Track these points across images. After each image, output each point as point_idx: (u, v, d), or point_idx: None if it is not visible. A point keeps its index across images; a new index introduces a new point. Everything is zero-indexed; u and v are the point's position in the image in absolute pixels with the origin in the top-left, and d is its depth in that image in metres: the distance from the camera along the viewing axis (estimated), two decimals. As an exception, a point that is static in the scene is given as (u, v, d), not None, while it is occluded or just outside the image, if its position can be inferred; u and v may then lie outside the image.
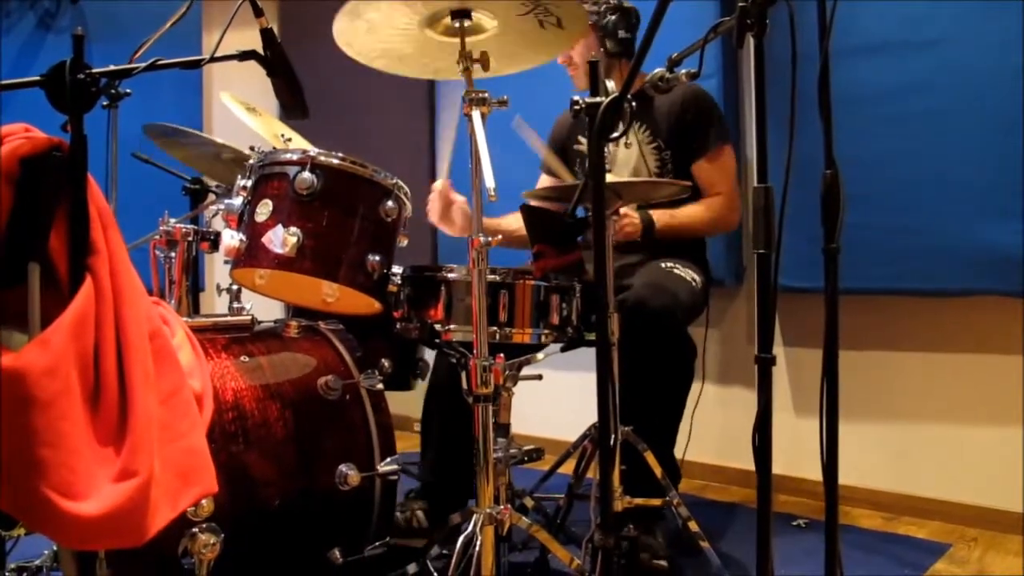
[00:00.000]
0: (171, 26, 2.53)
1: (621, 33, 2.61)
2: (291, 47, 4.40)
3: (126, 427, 1.44)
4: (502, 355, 1.68)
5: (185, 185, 2.93)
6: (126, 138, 2.83)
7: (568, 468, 2.41)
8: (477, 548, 1.63)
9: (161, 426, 1.52)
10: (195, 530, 1.68)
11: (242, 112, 2.60)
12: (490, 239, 1.66)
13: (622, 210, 2.33)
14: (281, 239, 1.86)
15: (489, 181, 1.56)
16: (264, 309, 2.26)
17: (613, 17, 2.58)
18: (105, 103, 2.71)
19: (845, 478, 2.78)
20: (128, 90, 2.72)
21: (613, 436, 2.06)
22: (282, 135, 2.55)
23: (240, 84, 2.63)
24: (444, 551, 1.90)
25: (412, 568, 1.83)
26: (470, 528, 1.66)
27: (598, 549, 1.55)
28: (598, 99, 1.51)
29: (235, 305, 2.21)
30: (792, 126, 1.45)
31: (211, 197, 2.75)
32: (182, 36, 2.77)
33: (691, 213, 2.54)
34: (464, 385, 1.76)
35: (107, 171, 2.79)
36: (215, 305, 2.67)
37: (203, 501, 1.66)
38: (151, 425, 1.47)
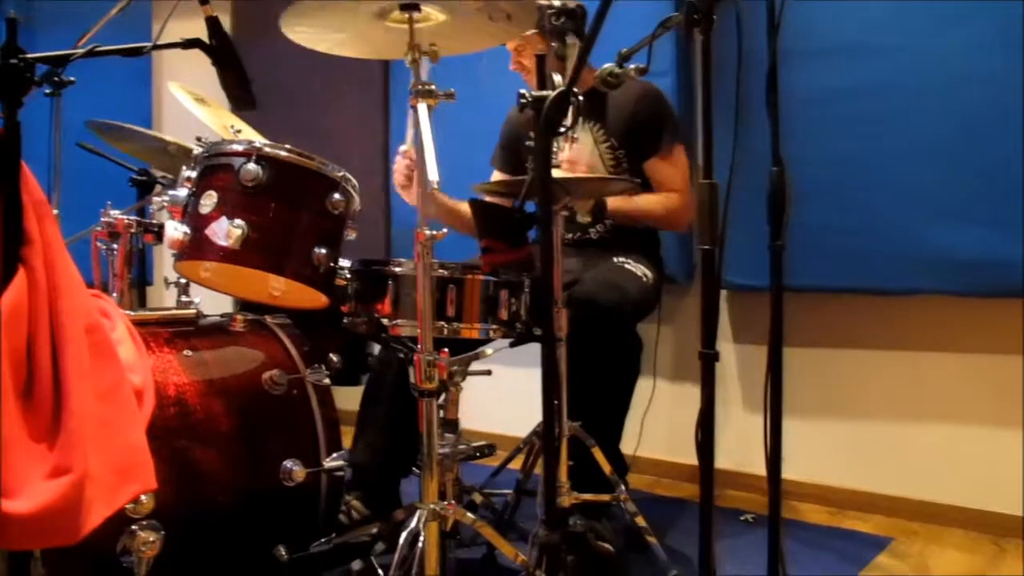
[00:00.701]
0: (117, 13, 2.48)
1: (569, 38, 2.59)
2: (244, 38, 4.36)
3: (60, 422, 1.41)
4: (446, 350, 1.66)
5: (132, 176, 2.88)
6: (72, 127, 2.77)
7: (519, 464, 2.41)
8: (421, 545, 1.61)
9: (98, 422, 1.49)
10: (135, 527, 1.65)
11: (191, 103, 2.56)
12: (435, 233, 1.65)
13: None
14: (225, 231, 1.83)
15: (433, 174, 1.54)
16: (214, 303, 2.23)
17: (559, 21, 2.55)
18: (48, 91, 2.65)
19: (793, 473, 2.85)
20: (72, 78, 2.66)
21: (559, 432, 2.07)
22: (232, 126, 2.51)
23: (190, 74, 2.58)
24: (390, 546, 1.87)
25: (357, 565, 1.82)
26: (414, 524, 1.64)
27: (542, 546, 1.55)
28: (544, 93, 1.50)
29: (183, 299, 2.17)
30: (737, 123, 1.46)
31: (158, 188, 2.71)
32: (132, 25, 2.72)
33: (647, 200, 2.55)
34: (411, 380, 1.74)
35: (50, 161, 2.74)
36: (164, 299, 2.64)
37: (143, 498, 1.63)
38: (86, 420, 1.43)
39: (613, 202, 2.48)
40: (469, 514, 1.76)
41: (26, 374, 1.40)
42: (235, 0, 4.30)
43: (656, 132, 2.57)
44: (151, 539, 1.66)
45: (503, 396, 2.90)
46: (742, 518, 2.67)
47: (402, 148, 2.46)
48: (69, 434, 1.40)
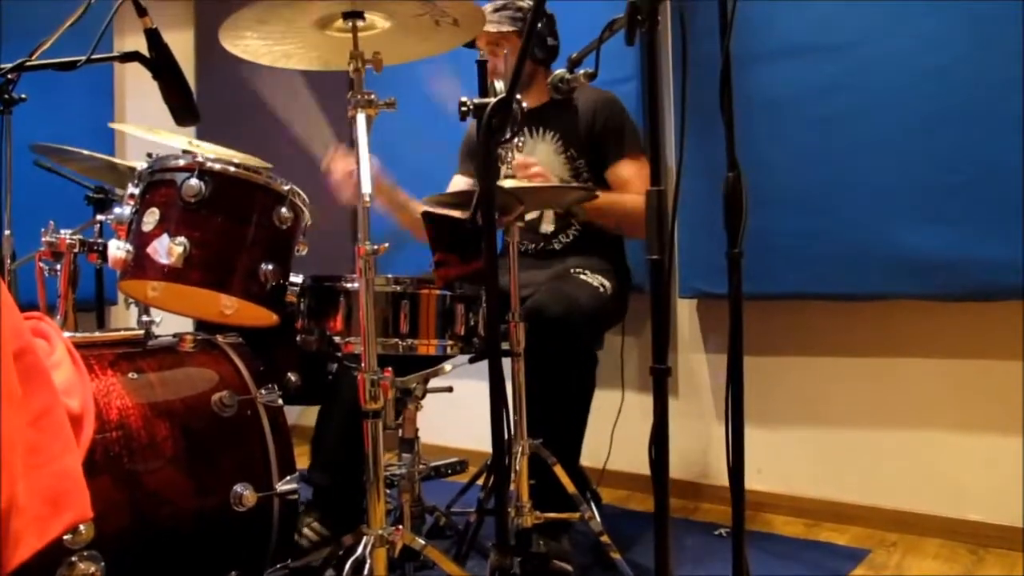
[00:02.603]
0: (69, 27, 2.43)
1: (549, 40, 2.57)
2: (207, 52, 4.28)
3: (-16, 452, 1.35)
4: (390, 368, 1.60)
5: (88, 195, 2.82)
6: (30, 145, 2.71)
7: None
8: (366, 572, 1.55)
9: (29, 449, 1.43)
10: (74, 559, 1.58)
11: (143, 134, 2.51)
12: (377, 247, 1.59)
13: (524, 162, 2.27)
14: (167, 249, 1.78)
15: (366, 186, 1.49)
16: (177, 323, 2.17)
17: (539, 24, 2.52)
18: (-1, 109, 2.59)
19: (767, 485, 2.80)
20: (23, 95, 2.60)
21: (518, 449, 2.02)
22: (191, 141, 2.46)
23: (152, 89, 2.54)
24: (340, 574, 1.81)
25: (307, 592, 1.76)
26: (360, 551, 1.58)
27: (495, 569, 1.49)
28: (485, 100, 1.45)
29: (144, 319, 2.11)
30: (683, 127, 1.41)
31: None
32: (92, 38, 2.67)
33: (613, 197, 2.47)
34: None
35: (1, 181, 2.67)
36: (128, 320, 2.58)
37: (81, 527, 1.57)
38: (13, 449, 1.37)
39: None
40: (419, 539, 1.69)
41: (-52, 402, 1.34)
42: (197, 13, 4.25)
43: (616, 138, 2.53)
44: (91, 570, 1.60)
45: (476, 411, 2.85)
46: (716, 532, 2.61)
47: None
48: (-7, 464, 1.34)
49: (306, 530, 2.20)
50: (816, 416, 2.78)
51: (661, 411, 1.40)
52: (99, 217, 2.12)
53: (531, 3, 2.55)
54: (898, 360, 2.63)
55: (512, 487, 1.96)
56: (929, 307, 2.52)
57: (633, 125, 2.58)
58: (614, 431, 2.67)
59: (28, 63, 1.63)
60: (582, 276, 2.35)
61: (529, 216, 2.58)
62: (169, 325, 2.14)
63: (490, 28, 2.49)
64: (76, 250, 2.00)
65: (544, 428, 2.13)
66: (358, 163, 1.53)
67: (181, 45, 4.08)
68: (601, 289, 2.35)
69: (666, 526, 1.41)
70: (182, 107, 1.84)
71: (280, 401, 1.97)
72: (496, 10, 2.52)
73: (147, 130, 2.42)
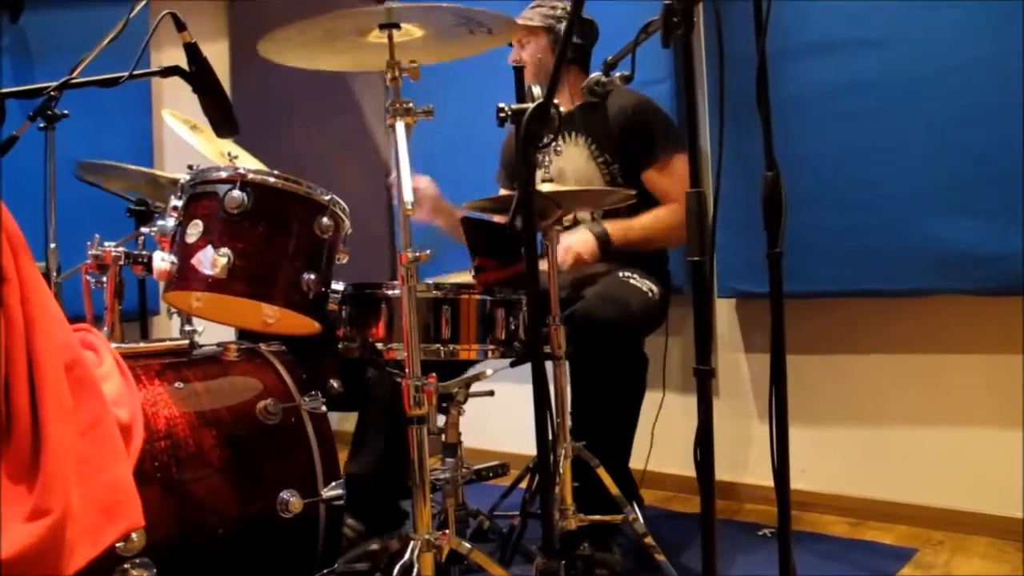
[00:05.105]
0: (108, 43, 2.47)
1: (576, 38, 2.55)
2: (241, 62, 4.32)
3: (39, 463, 1.38)
4: (434, 374, 1.61)
5: (129, 207, 2.86)
6: (72, 159, 2.75)
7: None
8: (414, 576, 1.56)
9: (81, 459, 1.46)
10: (126, 566, 1.62)
11: (185, 130, 2.54)
12: (418, 254, 1.60)
13: (566, 242, 2.31)
14: (211, 260, 1.80)
15: (408, 195, 1.50)
16: (220, 332, 2.20)
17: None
18: (41, 125, 2.63)
19: (811, 484, 2.78)
20: (65, 111, 2.65)
21: (562, 452, 2.02)
22: (228, 152, 2.48)
23: (189, 102, 2.58)
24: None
25: (354, 598, 1.77)
26: (407, 556, 1.59)
27: (541, 573, 1.49)
28: (523, 106, 1.46)
29: (186, 328, 2.14)
30: (721, 126, 1.41)
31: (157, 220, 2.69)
32: (130, 53, 2.72)
33: (648, 220, 2.48)
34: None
35: (45, 195, 2.72)
36: (171, 329, 2.61)
37: (133, 535, 1.59)
38: (66, 460, 1.40)
39: (615, 232, 2.42)
40: (465, 543, 1.70)
41: (4, 415, 1.37)
42: (231, 23, 4.29)
43: (647, 144, 2.51)
44: (143, 577, 1.63)
45: (517, 414, 2.85)
46: (760, 532, 2.59)
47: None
48: (48, 475, 1.37)
49: (343, 528, 2.22)
50: (859, 414, 2.75)
51: (705, 412, 1.40)
52: (142, 229, 2.15)
53: (564, 3, 2.55)
54: (941, 356, 2.60)
55: (556, 490, 1.97)
56: (971, 302, 2.49)
57: (669, 126, 2.56)
58: (653, 431, 2.66)
59: (72, 80, 1.66)
60: (631, 280, 2.34)
61: (566, 220, 2.58)
62: (211, 334, 2.17)
63: (521, 22, 2.53)
64: (121, 262, 2.04)
65: (595, 432, 2.13)
66: (398, 171, 1.54)
67: (215, 54, 4.13)
68: (650, 294, 2.34)
69: (712, 527, 1.40)
70: (222, 120, 1.87)
71: (324, 408, 1.99)
72: (532, 7, 2.55)
73: (192, 129, 2.46)
